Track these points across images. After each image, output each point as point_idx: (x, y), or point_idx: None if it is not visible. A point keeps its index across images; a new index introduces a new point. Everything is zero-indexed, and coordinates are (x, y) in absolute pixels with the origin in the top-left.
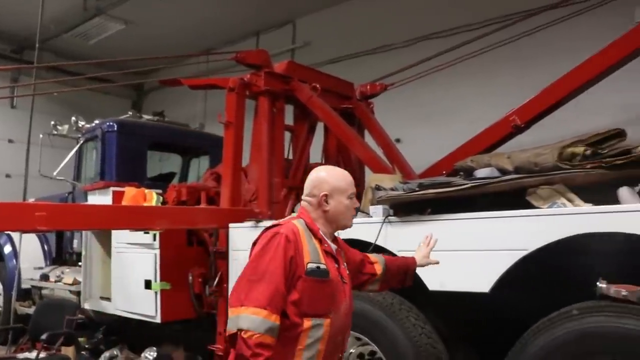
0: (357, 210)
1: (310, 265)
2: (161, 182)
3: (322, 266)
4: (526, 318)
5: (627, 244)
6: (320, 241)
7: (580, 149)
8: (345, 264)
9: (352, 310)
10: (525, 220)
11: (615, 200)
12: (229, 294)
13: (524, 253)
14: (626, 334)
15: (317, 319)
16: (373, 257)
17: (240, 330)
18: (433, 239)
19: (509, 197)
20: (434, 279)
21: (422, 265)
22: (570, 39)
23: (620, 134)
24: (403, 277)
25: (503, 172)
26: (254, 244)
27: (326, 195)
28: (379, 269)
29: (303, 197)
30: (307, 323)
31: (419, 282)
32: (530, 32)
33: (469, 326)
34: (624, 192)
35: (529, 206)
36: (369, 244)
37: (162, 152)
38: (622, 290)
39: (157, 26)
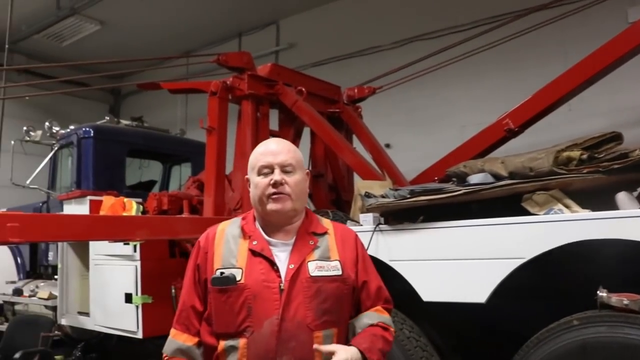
0: (279, 184)
1: (216, 273)
2: (141, 190)
3: (230, 271)
4: (524, 329)
5: (627, 250)
6: (250, 238)
7: (576, 153)
8: (314, 262)
9: (307, 326)
10: (521, 228)
11: (614, 206)
12: None
13: (521, 261)
14: (628, 344)
15: (230, 339)
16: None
17: None
18: None
19: (504, 203)
20: (429, 289)
21: None
22: (561, 41)
23: (616, 137)
24: None
25: (497, 177)
26: None
27: (248, 180)
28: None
29: None
30: (220, 345)
31: (413, 293)
32: (520, 33)
33: (464, 338)
34: (622, 197)
35: (525, 213)
36: None
37: (142, 159)
38: (623, 299)
39: (134, 27)
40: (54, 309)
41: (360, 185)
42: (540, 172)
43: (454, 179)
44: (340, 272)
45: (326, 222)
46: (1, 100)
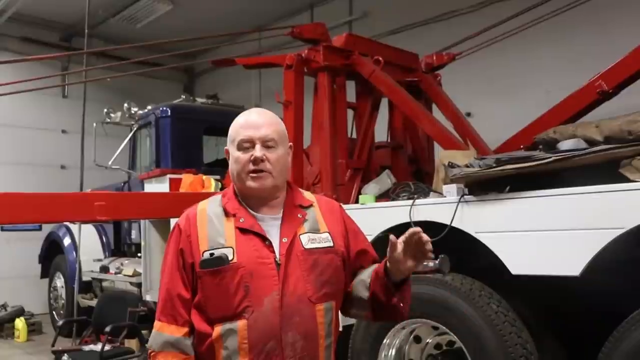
0: (259, 161)
1: (205, 255)
2: (218, 167)
3: (220, 251)
4: (623, 306)
5: None
6: (235, 216)
7: None
8: (306, 235)
9: (308, 299)
10: (620, 195)
11: None
12: None
13: (620, 232)
14: None
15: (226, 323)
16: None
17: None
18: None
19: (598, 170)
20: (517, 262)
21: (392, 271)
22: None
23: None
24: (388, 292)
25: (591, 143)
26: None
27: (227, 152)
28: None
29: None
30: (216, 330)
31: (500, 266)
32: None
33: (556, 314)
34: None
35: (623, 179)
36: (444, 226)
37: (218, 137)
38: None
39: (205, 5)
40: (138, 285)
41: (443, 155)
42: None
43: (541, 146)
44: (331, 244)
45: (309, 195)
46: (82, 84)
